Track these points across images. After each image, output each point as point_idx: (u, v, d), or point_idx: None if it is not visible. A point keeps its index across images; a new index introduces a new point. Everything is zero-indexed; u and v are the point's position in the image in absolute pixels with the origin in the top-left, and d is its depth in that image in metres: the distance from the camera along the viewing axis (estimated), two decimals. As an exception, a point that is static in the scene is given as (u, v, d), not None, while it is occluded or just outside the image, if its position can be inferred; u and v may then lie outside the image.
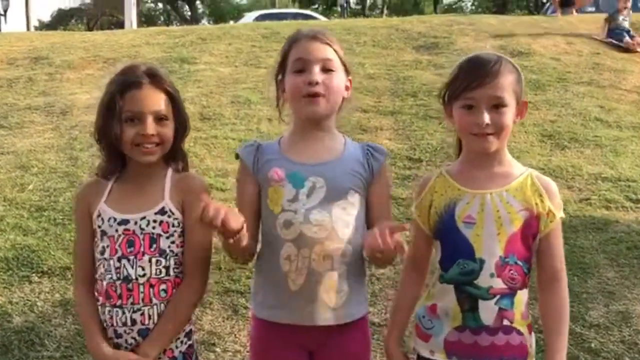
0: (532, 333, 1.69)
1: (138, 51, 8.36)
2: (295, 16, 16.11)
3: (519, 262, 1.63)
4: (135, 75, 1.73)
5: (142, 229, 1.69)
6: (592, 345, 2.91)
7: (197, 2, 37.12)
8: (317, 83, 1.68)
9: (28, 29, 20.49)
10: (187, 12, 35.48)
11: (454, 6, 39.41)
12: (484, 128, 1.62)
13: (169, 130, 1.74)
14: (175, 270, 1.72)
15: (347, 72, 1.78)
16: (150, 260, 1.68)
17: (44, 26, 30.86)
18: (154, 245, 1.69)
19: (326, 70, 1.71)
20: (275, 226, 1.69)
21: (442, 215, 1.69)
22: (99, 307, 1.72)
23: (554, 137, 5.41)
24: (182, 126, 1.79)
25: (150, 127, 1.70)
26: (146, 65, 1.79)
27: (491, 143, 1.64)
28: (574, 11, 11.03)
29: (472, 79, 1.63)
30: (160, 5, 39.74)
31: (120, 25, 18.98)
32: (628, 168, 4.76)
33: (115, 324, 1.68)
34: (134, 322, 1.68)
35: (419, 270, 1.82)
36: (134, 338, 1.68)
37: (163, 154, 1.76)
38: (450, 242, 1.69)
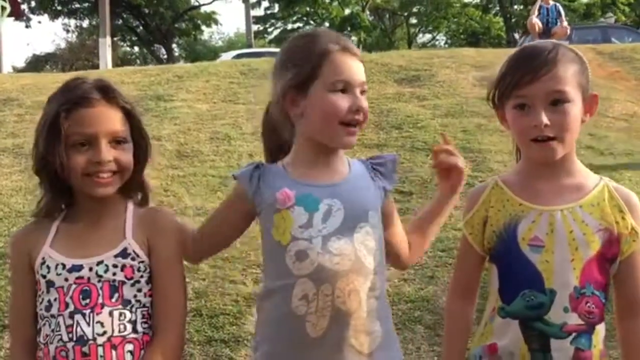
0: None
1: (112, 90, 8.14)
2: (273, 55, 16.08)
3: (596, 292, 1.37)
4: (83, 91, 1.42)
5: (99, 276, 1.38)
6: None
7: (174, 45, 37.24)
8: (364, 109, 1.46)
9: (0, 73, 20.23)
10: (164, 55, 35.54)
11: (428, 45, 40.08)
12: (543, 130, 1.35)
13: (127, 155, 1.45)
14: (144, 325, 1.40)
15: None
16: (111, 314, 1.36)
17: (17, 72, 30.59)
18: (116, 295, 1.37)
19: (363, 91, 1.48)
20: (284, 259, 1.39)
21: (501, 235, 1.42)
22: None
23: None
24: (142, 150, 1.50)
25: (106, 152, 1.40)
26: (95, 78, 1.49)
27: (554, 150, 1.37)
28: (552, 43, 11.12)
29: (523, 72, 1.38)
30: (136, 48, 39.80)
31: (95, 69, 18.81)
32: (627, 195, 4.59)
33: None
34: None
35: (468, 297, 1.54)
36: None
37: (121, 184, 1.46)
38: (512, 269, 1.41)
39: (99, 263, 1.39)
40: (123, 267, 1.39)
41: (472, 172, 5.15)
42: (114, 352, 1.35)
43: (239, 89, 7.98)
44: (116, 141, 1.43)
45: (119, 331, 1.36)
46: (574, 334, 1.36)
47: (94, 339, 1.34)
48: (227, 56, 17.83)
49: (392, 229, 1.58)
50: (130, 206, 1.49)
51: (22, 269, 1.45)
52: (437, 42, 40.97)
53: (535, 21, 10.95)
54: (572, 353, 1.36)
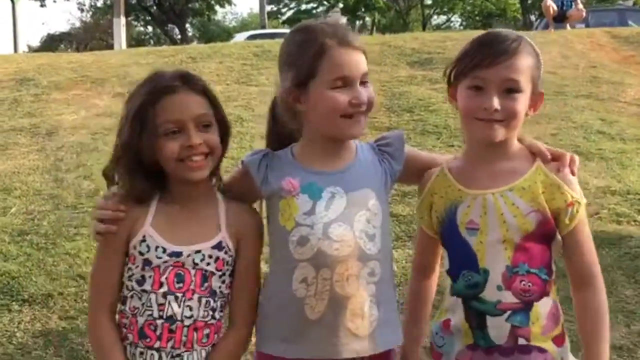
0: (566, 342, 1.47)
1: (127, 71, 8.19)
2: (285, 37, 16.02)
3: (533, 270, 1.42)
4: (165, 80, 1.50)
5: (195, 264, 1.47)
6: (616, 369, 2.70)
7: (187, 25, 37.17)
8: (363, 103, 1.48)
9: (16, 53, 20.38)
10: (177, 35, 35.50)
11: (442, 26, 39.68)
12: (492, 114, 1.40)
13: (215, 136, 1.51)
14: (220, 313, 1.51)
15: None
16: (199, 301, 1.46)
17: (33, 51, 30.76)
18: (205, 284, 1.47)
19: (364, 82, 1.50)
20: (287, 244, 1.46)
21: (444, 220, 1.50)
22: (127, 347, 1.47)
23: (557, 150, 5.27)
24: (226, 131, 1.56)
25: (195, 135, 1.46)
26: (173, 69, 1.55)
27: (497, 131, 1.42)
28: (568, 26, 11.00)
29: (485, 55, 1.42)
30: (150, 28, 39.78)
31: (110, 49, 18.88)
32: (636, 181, 4.60)
33: None
34: None
35: (428, 276, 1.63)
36: None
37: (214, 166, 1.52)
38: (455, 251, 1.49)
39: (197, 252, 1.47)
40: (217, 259, 1.48)
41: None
42: (195, 334, 1.46)
43: (252, 70, 8.02)
44: (203, 125, 1.49)
45: (203, 317, 1.47)
46: (509, 312, 1.42)
47: (182, 320, 1.45)
48: (240, 37, 17.82)
49: (419, 164, 1.63)
50: (219, 196, 1.56)
51: (118, 241, 1.49)
52: (452, 24, 40.59)
53: (550, 4, 10.86)
54: (508, 330, 1.41)
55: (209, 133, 1.50)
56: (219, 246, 1.49)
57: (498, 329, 1.42)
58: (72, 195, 4.64)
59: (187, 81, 1.51)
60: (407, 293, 1.68)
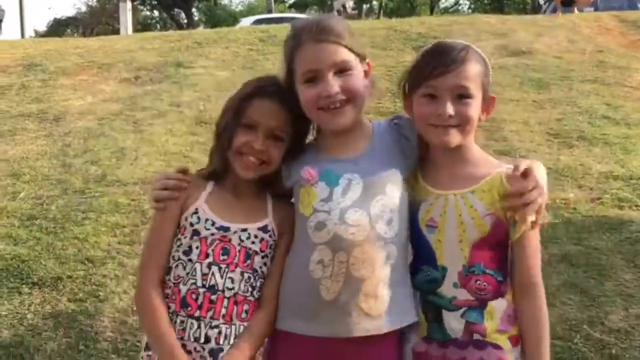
0: (520, 344, 1.52)
1: (133, 56, 8.23)
2: (292, 21, 15.98)
3: (489, 272, 1.48)
4: (270, 84, 1.62)
5: (240, 241, 1.56)
6: (613, 351, 2.76)
7: (193, 10, 37.04)
8: (336, 93, 1.51)
9: (23, 38, 20.39)
10: (184, 20, 35.40)
11: (450, 10, 39.39)
12: (446, 120, 1.47)
13: (278, 151, 1.60)
14: (258, 292, 1.58)
15: (363, 57, 1.60)
16: (242, 275, 1.55)
17: (39, 36, 30.77)
18: (248, 261, 1.56)
19: (342, 71, 1.53)
20: (306, 229, 1.53)
21: (409, 216, 1.56)
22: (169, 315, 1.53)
23: (561, 135, 5.28)
24: (292, 152, 1.64)
25: (262, 141, 1.57)
26: (280, 80, 1.65)
27: (453, 136, 1.49)
28: (575, 10, 10.93)
29: (435, 65, 1.49)
30: (156, 12, 39.67)
31: (116, 33, 18.87)
32: (639, 166, 4.61)
33: (185, 338, 1.50)
34: (207, 339, 1.51)
35: None
36: (203, 358, 1.50)
37: (262, 174, 1.62)
38: (416, 246, 1.56)
39: (243, 230, 1.57)
40: (261, 240, 1.58)
41: (486, 140, 5.20)
42: (235, 307, 1.53)
43: (258, 56, 8.03)
44: (274, 136, 1.59)
45: (243, 291, 1.55)
46: (464, 308, 1.48)
47: (223, 291, 1.52)
48: (246, 22, 17.79)
49: None
50: (268, 194, 1.66)
51: (175, 210, 1.58)
52: (460, 7, 40.26)
53: (558, -13, 10.77)
54: (463, 325, 1.48)
55: (274, 146, 1.60)
56: (264, 229, 1.59)
57: (454, 323, 1.49)
58: (80, 180, 4.70)
59: (284, 97, 1.60)
60: None
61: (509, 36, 8.37)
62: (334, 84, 1.51)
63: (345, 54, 1.53)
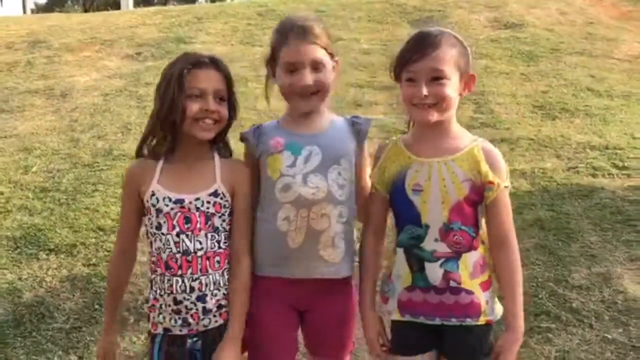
0: (491, 289, 1.76)
1: (135, 32, 8.43)
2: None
3: (464, 228, 1.72)
4: (199, 57, 1.85)
5: (197, 208, 1.81)
6: (574, 305, 3.05)
7: (194, -20, 36.78)
8: (309, 85, 1.81)
9: (24, 12, 20.45)
10: (184, -9, 35.17)
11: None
12: (423, 99, 1.69)
13: (225, 110, 1.85)
14: (225, 244, 1.86)
15: (333, 55, 1.88)
16: (206, 236, 1.81)
17: (40, 8, 30.73)
18: (209, 223, 1.82)
19: (316, 68, 1.83)
20: (274, 191, 1.83)
21: (394, 182, 1.79)
22: (158, 278, 1.83)
23: (545, 107, 5.51)
24: (233, 108, 1.90)
25: (212, 104, 1.81)
26: (206, 53, 1.91)
27: (431, 114, 1.71)
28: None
29: (412, 52, 1.71)
30: (156, -16, 39.38)
31: (116, 5, 18.92)
32: (616, 136, 4.86)
33: (175, 291, 1.80)
34: (192, 289, 1.79)
35: (377, 234, 1.90)
36: (193, 303, 1.80)
37: (217, 132, 1.86)
38: (401, 209, 1.79)
39: (197, 199, 1.81)
40: (215, 204, 1.82)
41: (474, 113, 5.45)
42: (207, 261, 1.81)
43: (256, 30, 8.22)
44: (219, 97, 1.83)
45: (211, 247, 1.82)
46: (442, 259, 1.73)
47: (195, 252, 1.80)
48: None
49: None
50: (216, 155, 1.89)
51: (133, 196, 1.86)
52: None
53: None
54: (441, 274, 1.73)
55: (221, 106, 1.83)
56: (214, 194, 1.82)
57: (434, 272, 1.74)
58: (89, 154, 4.98)
59: (215, 63, 1.86)
60: (361, 254, 1.94)
61: (502, 8, 8.54)
62: (309, 77, 1.82)
63: (320, 53, 1.83)
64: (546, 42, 7.27)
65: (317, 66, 1.83)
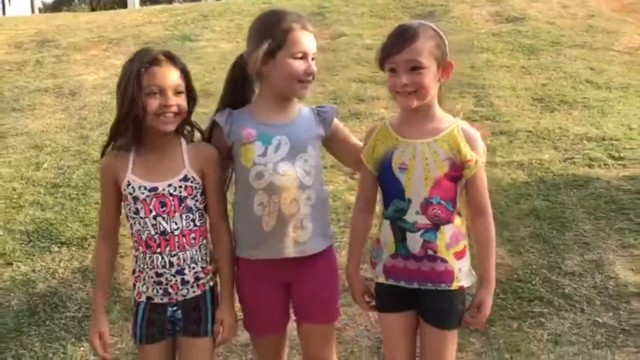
0: (464, 258, 1.94)
1: (141, 30, 8.57)
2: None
3: (443, 202, 1.89)
4: (155, 54, 1.97)
5: (170, 193, 1.97)
6: (566, 291, 3.16)
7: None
8: (315, 73, 1.99)
9: (32, 11, 20.66)
10: (190, -12, 35.29)
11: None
12: (403, 87, 1.86)
13: (184, 102, 1.99)
14: (199, 221, 2.03)
15: None
16: (181, 216, 1.98)
17: (48, 7, 30.98)
18: (182, 204, 1.98)
19: (313, 58, 2.01)
20: (248, 178, 1.98)
21: (383, 161, 1.96)
22: (140, 255, 2.01)
23: (544, 100, 5.59)
24: (192, 99, 2.04)
25: (171, 99, 1.94)
26: (159, 48, 2.05)
27: (411, 100, 1.88)
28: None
29: (392, 45, 1.87)
30: (162, -19, 39.52)
31: (123, 3, 19.06)
32: (613, 127, 4.94)
33: (156, 267, 1.98)
34: (171, 264, 1.98)
35: (367, 208, 2.09)
36: (172, 275, 1.98)
37: (179, 124, 2.00)
38: (388, 185, 1.96)
39: (169, 185, 1.97)
40: (186, 187, 1.99)
41: (474, 107, 5.54)
42: (184, 239, 1.99)
43: (261, 27, 8.32)
44: (177, 92, 1.96)
45: (186, 226, 1.99)
46: (422, 230, 1.90)
47: (172, 232, 1.97)
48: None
49: (345, 147, 2.15)
50: (183, 141, 2.03)
51: (111, 187, 2.02)
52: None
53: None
54: (421, 243, 1.91)
55: (180, 98, 1.96)
56: (185, 178, 1.98)
57: (414, 242, 1.92)
58: (97, 151, 5.08)
59: (170, 58, 1.99)
60: (352, 227, 2.13)
61: (504, 2, 8.59)
62: (314, 66, 2.01)
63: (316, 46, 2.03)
64: (547, 35, 7.33)
65: (314, 57, 2.02)
